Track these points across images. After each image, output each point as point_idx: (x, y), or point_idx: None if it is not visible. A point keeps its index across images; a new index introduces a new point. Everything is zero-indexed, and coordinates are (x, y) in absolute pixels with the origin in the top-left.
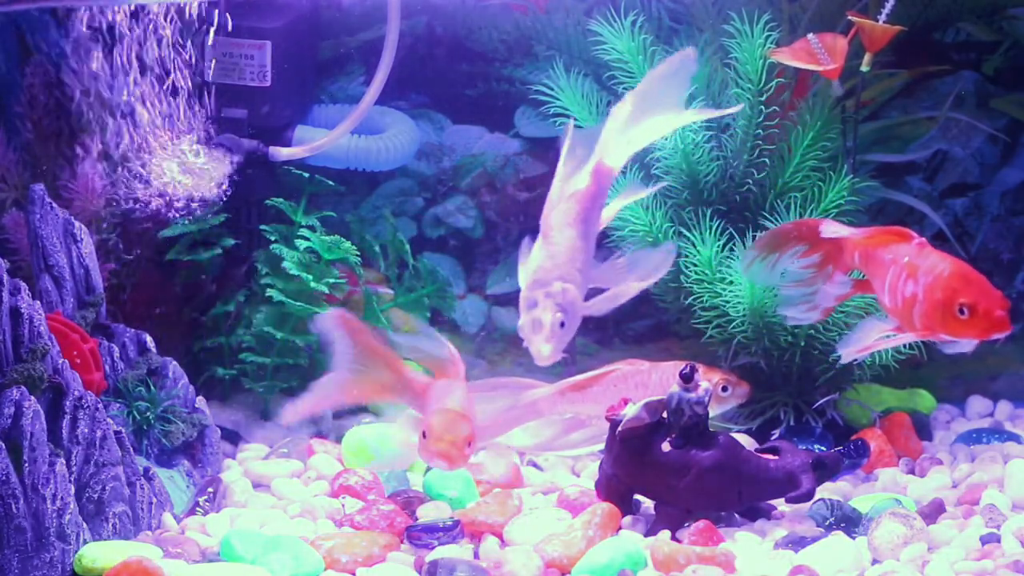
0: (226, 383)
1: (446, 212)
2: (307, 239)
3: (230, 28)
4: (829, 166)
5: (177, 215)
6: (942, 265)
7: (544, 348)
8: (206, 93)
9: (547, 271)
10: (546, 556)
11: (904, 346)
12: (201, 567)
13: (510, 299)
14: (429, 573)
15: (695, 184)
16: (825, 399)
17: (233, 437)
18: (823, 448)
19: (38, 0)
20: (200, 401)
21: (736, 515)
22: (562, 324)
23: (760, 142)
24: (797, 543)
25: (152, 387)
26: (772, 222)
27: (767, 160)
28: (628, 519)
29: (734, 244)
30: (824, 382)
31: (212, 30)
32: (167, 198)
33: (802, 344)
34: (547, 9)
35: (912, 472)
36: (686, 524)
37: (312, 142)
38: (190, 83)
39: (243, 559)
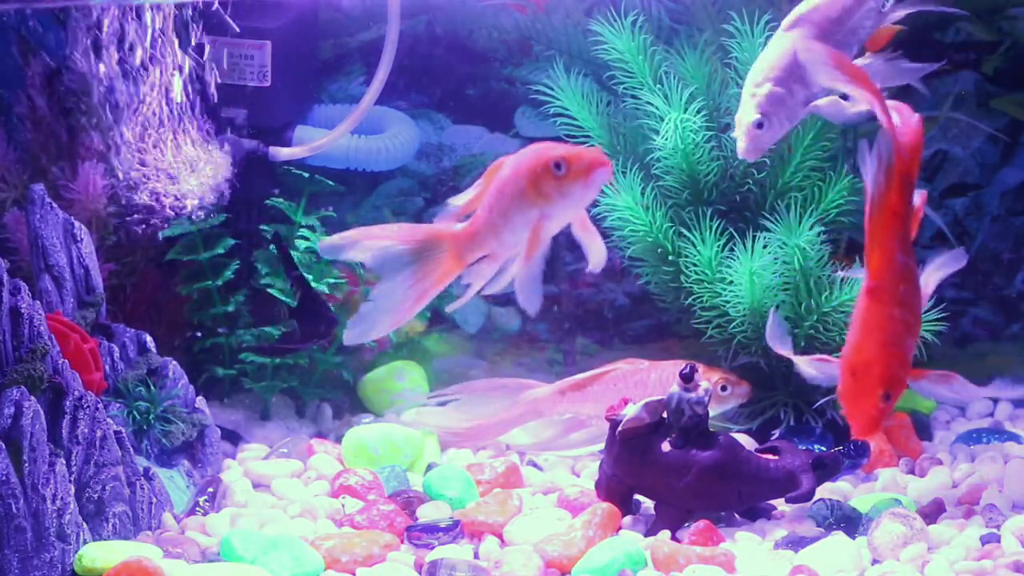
0: (226, 383)
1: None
2: (307, 239)
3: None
4: (829, 166)
5: (177, 215)
6: None
7: (739, 144)
8: (207, 93)
9: (763, 68)
10: (546, 556)
11: None
12: (201, 567)
13: (510, 299)
14: (429, 573)
15: (695, 184)
16: (825, 399)
17: (233, 437)
18: (823, 448)
19: (37, 0)
20: (200, 401)
21: (736, 515)
22: (759, 125)
23: None
24: (797, 543)
25: (152, 387)
26: (772, 222)
27: (767, 160)
28: (628, 519)
29: (734, 244)
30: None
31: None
32: (167, 198)
33: (802, 344)
34: (547, 9)
35: (912, 472)
36: (686, 524)
37: (312, 142)
38: (191, 83)
39: (243, 559)
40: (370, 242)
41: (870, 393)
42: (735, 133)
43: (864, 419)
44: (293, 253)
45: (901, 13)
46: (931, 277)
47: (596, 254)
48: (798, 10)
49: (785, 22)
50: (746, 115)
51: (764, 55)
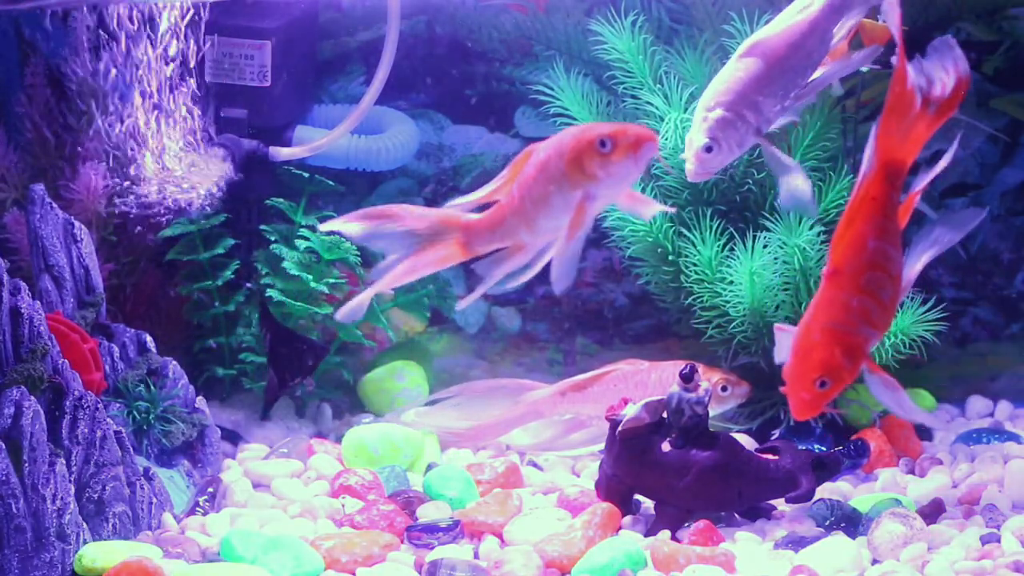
0: (226, 383)
1: None
2: (307, 239)
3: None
4: (829, 166)
5: (176, 215)
6: None
7: (687, 166)
8: (206, 93)
9: (716, 92)
10: (546, 556)
11: (904, 346)
12: (201, 567)
13: (510, 299)
14: (429, 573)
15: (695, 184)
16: None
17: (233, 437)
18: (823, 448)
19: (38, 0)
20: (200, 401)
21: (736, 515)
22: (708, 149)
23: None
24: (797, 543)
25: (152, 387)
26: (772, 222)
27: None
28: (628, 519)
29: (734, 244)
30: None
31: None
32: (167, 198)
33: None
34: (547, 9)
35: (912, 472)
36: (686, 524)
37: (312, 142)
38: (191, 83)
39: (243, 559)
40: (377, 223)
41: (805, 377)
42: (684, 154)
43: (797, 402)
44: (287, 258)
45: (845, 29)
46: (922, 256)
47: (652, 209)
48: (754, 37)
49: (740, 49)
50: (696, 138)
51: (719, 78)
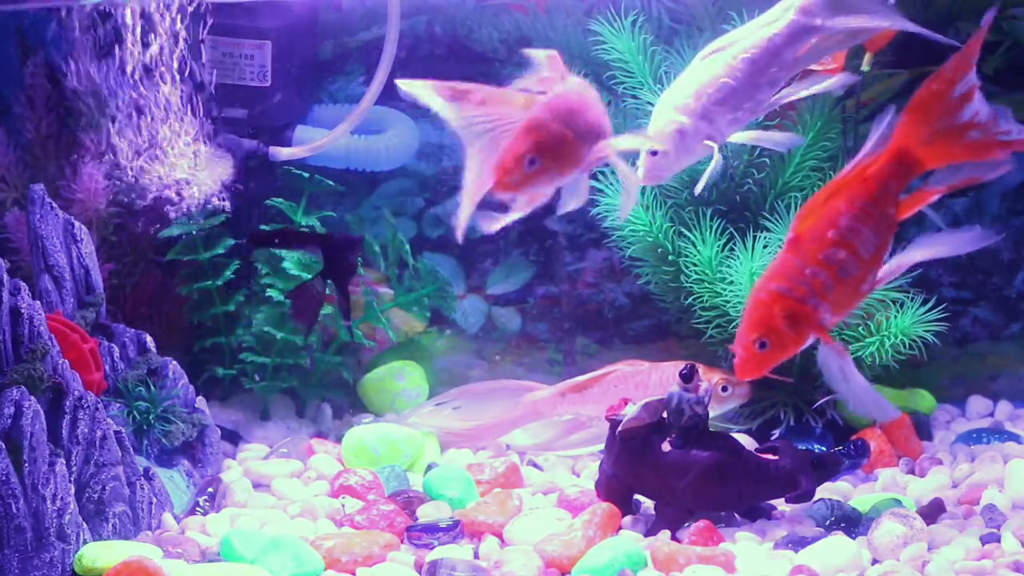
0: (226, 383)
1: (446, 212)
2: None
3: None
4: (829, 166)
5: (177, 215)
6: None
7: (638, 170)
8: (206, 93)
9: (669, 97)
10: (546, 556)
11: (904, 346)
12: (201, 567)
13: (510, 299)
14: (429, 573)
15: (695, 184)
16: (825, 399)
17: (233, 437)
18: (823, 448)
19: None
20: (200, 401)
21: (736, 515)
22: (654, 152)
23: None
24: (797, 543)
25: (152, 387)
26: (772, 222)
27: (767, 160)
28: (628, 519)
29: (734, 244)
30: (824, 382)
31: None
32: (167, 198)
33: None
34: (547, 9)
35: (912, 472)
36: (686, 524)
37: (312, 142)
38: (190, 83)
39: (243, 559)
40: (458, 105)
41: (744, 335)
42: (639, 161)
43: (737, 360)
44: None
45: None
46: (918, 254)
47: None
48: (715, 43)
49: (702, 52)
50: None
51: (679, 81)
